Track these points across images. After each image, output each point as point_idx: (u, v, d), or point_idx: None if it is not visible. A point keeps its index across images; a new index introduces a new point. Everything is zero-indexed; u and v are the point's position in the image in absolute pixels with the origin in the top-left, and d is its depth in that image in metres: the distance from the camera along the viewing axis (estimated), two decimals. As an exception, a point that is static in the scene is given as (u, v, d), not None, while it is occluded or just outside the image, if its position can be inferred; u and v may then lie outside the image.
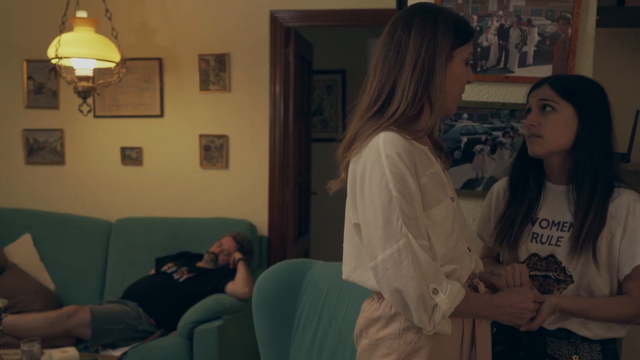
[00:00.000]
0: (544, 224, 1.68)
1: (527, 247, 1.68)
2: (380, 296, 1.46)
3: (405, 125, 1.39)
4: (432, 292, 1.30)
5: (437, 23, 1.39)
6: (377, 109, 1.40)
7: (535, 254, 1.67)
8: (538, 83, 1.69)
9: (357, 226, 1.42)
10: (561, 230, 1.64)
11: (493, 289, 1.58)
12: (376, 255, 1.33)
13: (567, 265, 1.61)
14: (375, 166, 1.33)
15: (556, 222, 1.66)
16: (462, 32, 1.42)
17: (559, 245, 1.63)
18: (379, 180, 1.32)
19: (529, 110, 1.68)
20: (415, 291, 1.29)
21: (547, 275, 1.64)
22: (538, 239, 1.67)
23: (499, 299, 1.47)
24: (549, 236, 1.66)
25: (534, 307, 1.48)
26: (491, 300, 1.47)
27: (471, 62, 1.52)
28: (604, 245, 1.57)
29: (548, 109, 1.61)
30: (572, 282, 1.61)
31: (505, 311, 1.46)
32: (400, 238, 1.30)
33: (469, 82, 1.48)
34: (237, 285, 3.42)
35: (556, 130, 1.60)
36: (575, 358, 1.62)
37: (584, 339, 1.62)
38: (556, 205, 1.67)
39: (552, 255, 1.64)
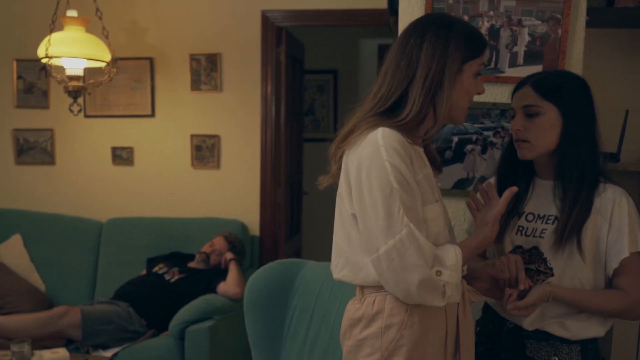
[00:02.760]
0: (530, 217, 1.70)
1: (512, 240, 1.70)
2: (362, 295, 1.47)
3: (406, 130, 1.41)
4: (437, 274, 1.33)
5: (450, 37, 1.41)
6: (382, 111, 1.43)
7: (519, 246, 1.68)
8: (520, 83, 1.69)
9: (354, 217, 1.43)
10: (545, 222, 1.65)
11: (493, 281, 1.61)
12: (378, 247, 1.34)
13: (550, 257, 1.62)
14: (374, 158, 1.35)
15: (541, 215, 1.67)
16: (473, 47, 1.44)
17: (542, 237, 1.64)
18: (379, 172, 1.34)
19: (513, 113, 1.68)
20: (420, 277, 1.32)
21: (529, 267, 1.65)
22: (523, 231, 1.69)
23: (480, 235, 1.51)
24: (533, 229, 1.67)
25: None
26: (475, 238, 1.51)
27: (482, 72, 1.54)
28: (589, 239, 1.58)
29: (532, 113, 1.62)
30: (552, 275, 1.62)
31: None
32: (403, 228, 1.32)
33: (478, 94, 1.50)
34: (228, 285, 3.42)
35: (542, 133, 1.61)
36: (555, 359, 1.63)
37: (563, 340, 1.63)
38: (542, 199, 1.69)
39: (535, 248, 1.65)
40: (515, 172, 1.74)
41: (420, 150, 1.46)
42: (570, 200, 1.59)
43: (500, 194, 1.76)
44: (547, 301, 1.57)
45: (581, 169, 1.59)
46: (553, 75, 1.69)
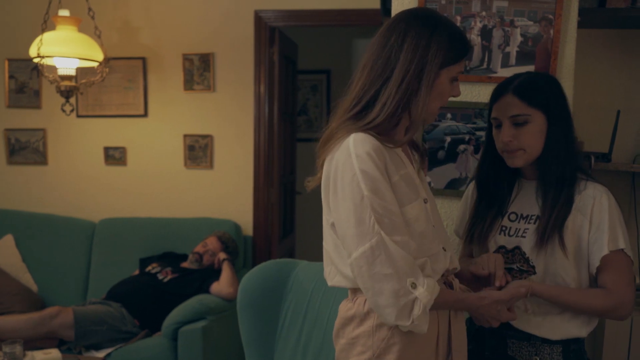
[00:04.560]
0: (513, 217, 1.70)
1: (496, 240, 1.70)
2: (354, 295, 1.48)
3: (380, 133, 1.39)
4: (411, 286, 1.31)
5: (431, 40, 1.37)
6: (355, 112, 1.40)
7: (502, 246, 1.68)
8: (500, 91, 1.65)
9: (334, 225, 1.43)
10: (528, 222, 1.66)
11: (474, 278, 1.62)
12: (351, 253, 1.35)
13: (532, 256, 1.62)
14: (346, 166, 1.34)
15: (524, 215, 1.68)
16: (454, 52, 1.39)
17: (525, 237, 1.64)
18: (350, 179, 1.33)
19: (498, 123, 1.65)
20: (390, 287, 1.30)
21: (511, 267, 1.65)
22: (506, 231, 1.69)
23: (472, 299, 1.52)
24: (516, 229, 1.67)
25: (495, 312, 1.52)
26: (465, 299, 1.52)
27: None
28: (570, 237, 1.59)
29: (521, 122, 1.60)
30: (535, 273, 1.63)
31: (476, 313, 1.54)
32: (373, 236, 1.31)
33: (453, 97, 1.47)
34: (221, 285, 3.41)
35: (533, 140, 1.60)
36: (536, 359, 1.64)
37: (544, 340, 1.63)
38: (526, 199, 1.69)
39: (517, 247, 1.65)
40: (498, 177, 1.73)
41: (399, 150, 1.45)
42: (551, 200, 1.60)
43: (481, 198, 1.76)
44: (524, 297, 1.56)
45: (562, 167, 1.60)
46: (533, 80, 1.64)
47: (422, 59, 1.36)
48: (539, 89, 1.61)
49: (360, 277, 1.34)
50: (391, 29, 1.41)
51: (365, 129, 1.37)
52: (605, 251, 1.56)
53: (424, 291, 1.32)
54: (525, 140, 1.60)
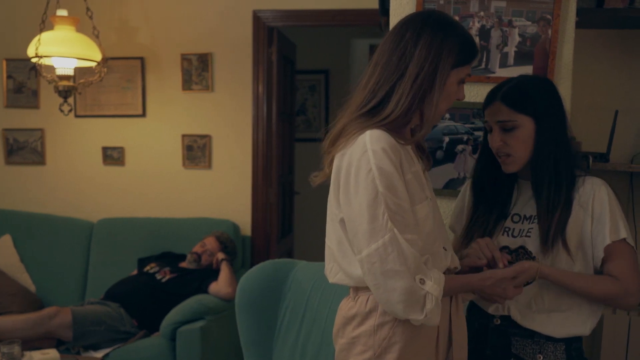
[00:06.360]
0: (516, 218, 1.71)
1: (498, 241, 1.70)
2: (356, 294, 1.48)
3: (393, 129, 1.39)
4: (420, 282, 1.33)
5: (445, 41, 1.39)
6: (369, 109, 1.41)
7: (505, 247, 1.69)
8: (489, 99, 1.67)
9: (342, 221, 1.43)
10: (532, 223, 1.66)
11: (472, 271, 1.61)
12: (362, 249, 1.34)
13: (538, 257, 1.62)
14: (361, 162, 1.34)
15: (527, 216, 1.69)
16: (465, 54, 1.42)
17: (529, 236, 1.65)
18: (365, 175, 1.33)
19: (490, 127, 1.67)
20: (402, 284, 1.31)
21: None
22: (510, 232, 1.70)
23: (475, 281, 1.52)
24: (520, 229, 1.68)
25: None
26: (469, 282, 1.52)
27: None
28: (572, 233, 1.59)
29: (508, 127, 1.62)
30: None
31: (482, 293, 1.55)
32: (386, 233, 1.31)
33: (458, 100, 1.48)
34: (220, 285, 3.41)
35: (522, 145, 1.62)
36: (540, 357, 1.64)
37: (548, 338, 1.64)
38: (527, 200, 1.70)
39: (522, 247, 1.66)
40: (495, 181, 1.74)
41: (409, 147, 1.46)
42: (551, 202, 1.60)
43: (478, 202, 1.76)
44: (533, 279, 1.56)
45: (555, 167, 1.60)
46: (519, 85, 1.65)
47: (435, 58, 1.38)
48: (526, 95, 1.62)
49: (372, 273, 1.33)
50: (405, 27, 1.43)
51: (379, 125, 1.37)
52: (608, 241, 1.57)
53: (433, 284, 1.34)
54: (514, 145, 1.62)
